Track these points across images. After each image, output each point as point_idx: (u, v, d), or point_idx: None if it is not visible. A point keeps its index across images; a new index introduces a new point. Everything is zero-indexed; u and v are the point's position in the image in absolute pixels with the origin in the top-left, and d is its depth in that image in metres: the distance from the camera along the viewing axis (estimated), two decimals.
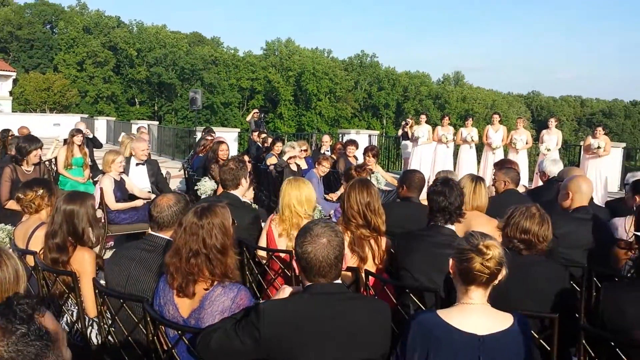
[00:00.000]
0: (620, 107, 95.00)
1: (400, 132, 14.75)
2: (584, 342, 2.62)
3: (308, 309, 2.25)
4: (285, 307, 2.28)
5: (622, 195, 7.00)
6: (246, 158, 7.45)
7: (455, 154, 13.39)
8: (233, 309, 2.53)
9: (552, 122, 12.19)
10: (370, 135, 18.87)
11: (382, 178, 8.25)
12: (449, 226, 3.48)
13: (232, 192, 4.47)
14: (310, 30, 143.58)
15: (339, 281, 2.36)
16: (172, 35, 68.68)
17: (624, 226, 4.29)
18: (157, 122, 29.40)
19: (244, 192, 4.64)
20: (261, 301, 2.45)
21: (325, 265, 2.29)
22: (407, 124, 14.35)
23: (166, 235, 3.16)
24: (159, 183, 7.29)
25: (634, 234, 3.17)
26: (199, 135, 13.70)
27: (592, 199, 5.19)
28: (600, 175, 11.07)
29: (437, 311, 2.31)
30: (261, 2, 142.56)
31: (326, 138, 11.48)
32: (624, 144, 15.41)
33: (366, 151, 8.78)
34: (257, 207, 5.96)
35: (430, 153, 13.28)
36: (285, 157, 8.40)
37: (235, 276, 2.71)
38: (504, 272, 2.26)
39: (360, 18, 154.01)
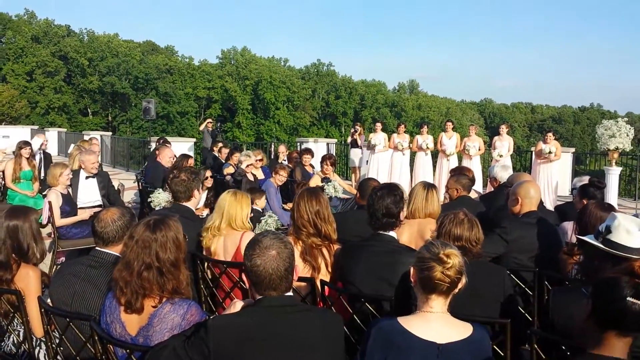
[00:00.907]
0: (569, 113, 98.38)
1: (349, 139, 14.85)
2: (535, 346, 2.66)
3: (258, 323, 2.20)
4: (235, 322, 2.23)
5: (571, 199, 7.20)
6: (208, 173, 7.35)
7: (412, 161, 13.57)
8: (183, 326, 2.47)
9: (503, 129, 12.48)
10: (328, 144, 18.96)
11: (339, 186, 8.27)
12: (390, 233, 3.49)
13: (185, 204, 4.38)
14: (266, 39, 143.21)
15: (290, 293, 2.32)
16: (124, 44, 67.33)
17: (572, 230, 4.41)
18: (111, 133, 28.67)
19: (197, 204, 4.56)
20: (211, 316, 2.39)
21: (276, 277, 2.25)
22: (356, 131, 14.45)
23: (112, 250, 3.07)
24: (110, 196, 7.08)
25: (577, 238, 3.25)
26: (153, 145, 13.43)
27: (542, 203, 5.33)
28: (551, 179, 11.43)
29: (397, 318, 2.30)
30: (215, 10, 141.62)
31: (282, 148, 11.44)
32: (573, 149, 15.90)
33: (323, 160, 8.79)
34: None
35: (387, 160, 13.44)
36: (243, 166, 8.33)
37: (187, 292, 2.65)
38: (464, 280, 2.28)
39: (315, 27, 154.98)
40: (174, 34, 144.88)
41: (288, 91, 69.76)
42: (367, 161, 13.78)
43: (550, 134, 11.88)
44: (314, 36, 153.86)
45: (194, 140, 18.68)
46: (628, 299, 1.81)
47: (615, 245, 2.50)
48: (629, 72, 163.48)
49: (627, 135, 11.45)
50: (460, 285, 2.28)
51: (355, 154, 14.40)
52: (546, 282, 3.64)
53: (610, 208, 3.47)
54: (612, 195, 11.55)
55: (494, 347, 2.80)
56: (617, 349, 1.87)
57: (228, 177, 8.53)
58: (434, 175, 12.87)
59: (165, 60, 67.78)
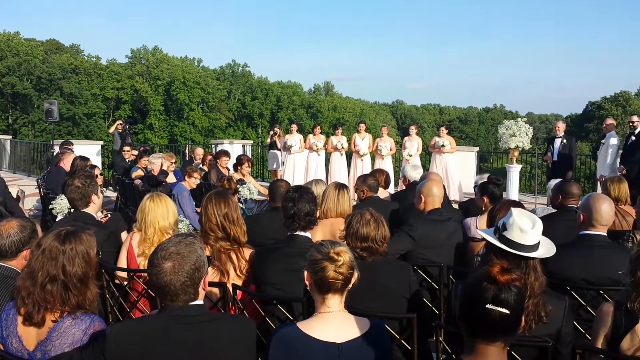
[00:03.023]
0: (475, 114, 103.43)
1: (268, 141, 14.80)
2: (440, 338, 2.77)
3: (160, 332, 2.13)
4: (134, 331, 2.16)
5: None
6: (97, 171, 7.06)
7: (327, 162, 13.78)
8: (85, 342, 2.35)
9: (413, 130, 13.07)
10: (244, 145, 18.83)
11: (254, 188, 8.22)
12: (304, 233, 3.54)
13: (84, 210, 4.20)
14: (178, 39, 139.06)
15: (198, 302, 2.24)
16: (25, 43, 63.21)
17: (475, 225, 4.65)
18: (11, 136, 26.85)
19: (97, 209, 4.37)
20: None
21: (169, 291, 2.16)
22: (275, 133, 14.41)
23: (7, 264, 2.87)
24: (7, 203, 6.62)
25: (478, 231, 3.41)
26: (57, 149, 12.71)
27: (447, 200, 5.58)
28: (447, 173, 12.17)
29: (297, 323, 2.31)
30: (123, 8, 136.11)
31: (199, 151, 11.26)
32: (477, 148, 16.69)
33: (239, 161, 8.71)
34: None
35: (302, 161, 13.58)
36: (165, 167, 8.16)
37: (93, 309, 2.52)
38: (356, 275, 2.32)
39: (229, 27, 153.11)
40: (79, 32, 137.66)
41: (202, 92, 68.41)
42: (283, 162, 13.86)
43: (443, 128, 12.91)
44: (229, 36, 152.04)
45: (102, 142, 17.90)
46: (487, 306, 1.77)
47: (509, 243, 2.60)
48: (529, 74, 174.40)
49: (527, 135, 12.26)
50: (353, 280, 2.31)
51: (273, 156, 14.34)
52: (451, 276, 3.80)
53: (519, 204, 3.68)
54: (513, 191, 12.31)
55: (402, 341, 2.90)
56: (490, 357, 1.80)
57: (137, 181, 8.25)
58: (348, 175, 13.13)
59: (70, 60, 64.35)
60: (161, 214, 3.92)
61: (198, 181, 7.78)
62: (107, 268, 3.76)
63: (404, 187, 6.66)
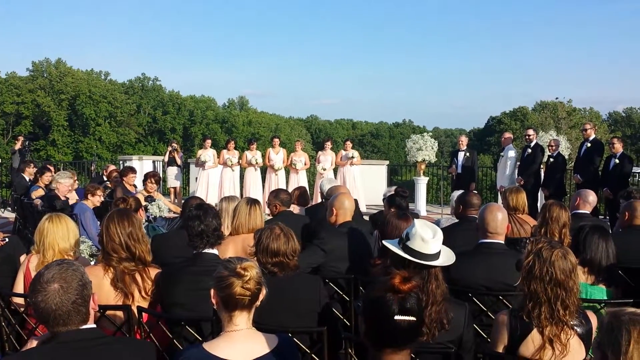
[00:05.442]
0: (385, 129, 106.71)
1: (166, 158, 14.19)
2: (350, 350, 2.81)
3: None
4: None
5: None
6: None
7: (242, 177, 13.69)
8: None
9: (328, 145, 13.36)
10: (154, 161, 18.28)
11: (164, 205, 7.99)
12: (212, 250, 3.49)
13: None
14: (83, 52, 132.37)
15: (90, 325, 2.15)
16: None
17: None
18: None
19: None
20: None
21: (62, 313, 2.06)
22: (174, 149, 13.88)
23: None
24: None
25: (381, 243, 3.50)
26: None
27: (359, 212, 5.70)
28: (355, 181, 12.85)
29: (203, 344, 2.25)
30: (23, 18, 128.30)
31: (112, 167, 10.85)
32: (387, 162, 17.25)
33: (147, 177, 8.43)
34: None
35: (216, 177, 13.43)
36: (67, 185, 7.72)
37: None
38: (264, 291, 2.29)
39: (138, 40, 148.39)
40: None
41: (110, 106, 65.78)
42: (197, 178, 13.63)
43: (348, 142, 13.65)
44: (138, 49, 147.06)
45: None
46: (395, 317, 1.81)
47: (412, 252, 2.68)
48: (436, 91, 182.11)
49: (432, 148, 12.88)
50: (261, 297, 2.28)
51: (172, 173, 13.87)
52: (361, 287, 3.87)
53: (405, 216, 3.81)
54: (420, 202, 12.84)
55: (313, 355, 2.91)
56: None
57: (37, 201, 7.77)
58: (263, 190, 13.13)
59: None
60: (61, 235, 3.72)
61: (102, 199, 7.43)
62: (2, 294, 3.54)
63: (320, 201, 6.74)
